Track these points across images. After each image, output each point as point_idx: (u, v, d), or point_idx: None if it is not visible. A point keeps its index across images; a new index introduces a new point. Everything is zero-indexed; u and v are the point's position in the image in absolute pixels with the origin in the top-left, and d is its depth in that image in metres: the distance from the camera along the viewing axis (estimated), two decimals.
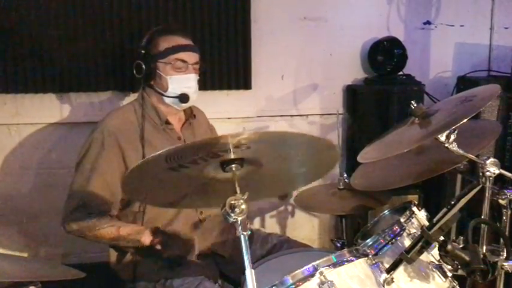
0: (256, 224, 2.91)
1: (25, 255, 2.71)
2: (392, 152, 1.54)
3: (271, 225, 2.91)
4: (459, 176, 2.50)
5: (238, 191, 1.12)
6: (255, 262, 1.99)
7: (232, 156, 1.10)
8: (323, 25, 2.78)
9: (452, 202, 1.23)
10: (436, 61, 2.93)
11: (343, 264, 1.18)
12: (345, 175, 2.14)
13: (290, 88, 2.80)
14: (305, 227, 2.97)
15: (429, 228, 1.20)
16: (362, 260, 1.22)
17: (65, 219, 1.87)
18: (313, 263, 1.16)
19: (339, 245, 2.16)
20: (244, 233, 1.12)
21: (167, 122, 1.96)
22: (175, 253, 1.88)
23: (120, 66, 2.54)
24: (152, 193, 1.25)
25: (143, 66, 1.89)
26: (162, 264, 1.88)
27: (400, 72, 2.73)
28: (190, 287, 1.82)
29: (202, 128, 2.12)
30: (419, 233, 1.46)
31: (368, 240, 1.50)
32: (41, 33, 2.46)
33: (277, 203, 2.88)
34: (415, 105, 1.52)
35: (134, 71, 1.92)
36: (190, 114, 2.05)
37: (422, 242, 1.19)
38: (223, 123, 2.69)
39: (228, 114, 2.72)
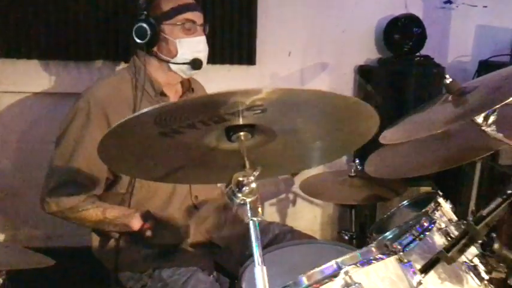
0: None
1: (1, 237, 2.50)
2: (421, 133, 1.33)
3: (270, 214, 2.71)
4: (478, 165, 2.30)
5: (247, 166, 0.89)
6: None
7: (241, 121, 0.88)
8: None
9: (510, 192, 1.02)
10: (455, 44, 2.71)
11: (372, 263, 0.97)
12: (357, 161, 1.93)
13: (297, 66, 2.58)
14: (306, 217, 2.77)
15: (476, 222, 0.99)
16: (392, 259, 1.01)
17: (44, 198, 1.66)
18: (336, 260, 0.95)
19: (346, 237, 1.96)
20: (255, 219, 0.90)
21: (162, 94, 1.74)
22: (167, 241, 1.67)
23: (113, 33, 2.32)
24: (139, 164, 1.02)
25: (148, 30, 1.65)
26: (151, 253, 1.67)
27: (417, 54, 2.51)
28: (181, 279, 1.61)
29: None
30: (448, 227, 1.27)
31: (387, 234, 1.30)
32: None
33: (277, 190, 2.68)
34: (450, 79, 1.31)
35: (135, 36, 1.66)
36: (188, 87, 1.83)
37: (467, 239, 0.98)
38: None
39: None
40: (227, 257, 1.78)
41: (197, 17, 1.70)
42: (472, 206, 2.34)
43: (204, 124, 0.87)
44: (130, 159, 1.00)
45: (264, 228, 1.90)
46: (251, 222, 0.90)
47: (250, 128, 0.91)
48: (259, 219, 0.90)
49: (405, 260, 1.02)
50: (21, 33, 2.27)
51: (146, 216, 1.62)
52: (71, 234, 2.48)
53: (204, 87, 1.97)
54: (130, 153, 0.97)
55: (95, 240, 1.77)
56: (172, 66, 1.70)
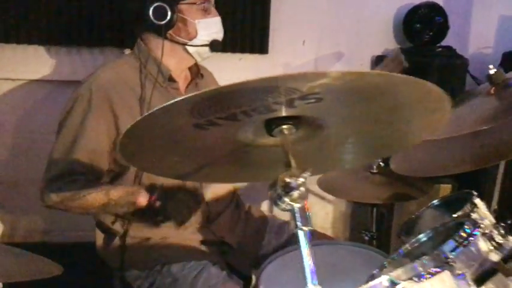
0: (263, 209, 2.58)
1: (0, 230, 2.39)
2: (465, 129, 1.21)
3: (278, 211, 2.58)
4: (501, 164, 2.18)
5: (293, 165, 0.77)
6: (270, 254, 1.70)
7: (284, 112, 0.75)
8: None
9: None
10: (476, 34, 2.58)
11: (427, 278, 0.84)
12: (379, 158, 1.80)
13: (311, 55, 2.45)
14: (318, 215, 2.66)
15: None
16: (448, 272, 0.89)
17: (43, 190, 1.54)
18: (390, 275, 0.82)
19: (367, 238, 1.85)
20: (305, 228, 0.78)
21: (171, 79, 1.61)
22: (180, 208, 1.52)
23: (118, 17, 2.18)
24: (162, 160, 0.89)
25: (168, 10, 1.52)
26: (158, 248, 1.56)
27: (438, 44, 2.38)
28: (192, 273, 1.52)
29: None
30: (492, 231, 1.15)
31: (421, 236, 1.19)
32: None
33: None
34: (494, 69, 1.18)
35: (152, 17, 1.52)
36: (197, 72, 1.71)
37: None
38: None
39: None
40: (239, 258, 1.67)
41: None
42: (494, 205, 2.22)
43: (246, 115, 0.74)
44: (153, 155, 0.87)
45: (280, 227, 1.80)
46: (300, 233, 0.78)
47: (294, 120, 0.78)
48: (310, 228, 0.78)
49: (458, 272, 0.90)
50: (20, 17, 2.14)
51: (151, 188, 1.50)
52: (72, 229, 2.38)
53: (212, 74, 1.85)
54: (154, 147, 0.84)
55: (99, 238, 1.65)
56: (189, 48, 1.59)
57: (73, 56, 2.24)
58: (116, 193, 1.49)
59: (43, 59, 2.23)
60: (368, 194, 1.76)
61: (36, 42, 2.19)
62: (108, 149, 1.54)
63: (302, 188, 0.78)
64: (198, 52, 1.60)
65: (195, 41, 1.58)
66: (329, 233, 2.69)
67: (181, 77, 1.67)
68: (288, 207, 0.79)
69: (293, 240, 1.70)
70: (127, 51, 2.24)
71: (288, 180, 0.77)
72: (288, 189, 0.78)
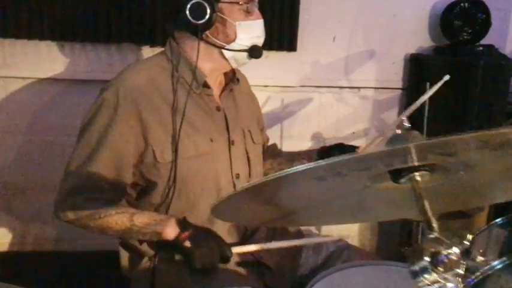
0: None
1: (8, 238, 2.24)
2: None
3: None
4: None
5: (434, 224, 0.63)
6: (308, 273, 1.56)
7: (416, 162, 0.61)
8: None
9: None
10: None
11: None
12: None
13: (342, 53, 2.30)
14: None
15: None
16: None
17: (59, 204, 1.38)
18: None
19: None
20: None
21: (205, 85, 1.45)
22: (209, 258, 1.39)
23: (137, 11, 2.02)
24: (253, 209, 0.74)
25: (207, 8, 1.35)
26: (191, 272, 1.40)
27: (477, 43, 2.23)
28: None
29: (243, 97, 1.61)
30: None
31: (495, 264, 1.06)
32: None
33: None
34: None
35: (189, 15, 1.35)
36: (233, 77, 1.54)
37: None
38: (258, 92, 2.17)
39: (264, 81, 2.21)
40: (278, 279, 1.52)
41: None
42: None
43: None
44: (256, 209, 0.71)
45: (317, 244, 1.65)
46: None
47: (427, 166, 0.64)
48: None
49: None
50: (32, 10, 1.97)
51: (183, 223, 1.34)
52: (84, 237, 2.22)
53: (245, 77, 1.69)
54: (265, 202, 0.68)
55: (124, 258, 1.50)
56: (226, 53, 1.41)
57: (88, 53, 2.08)
58: (141, 219, 1.33)
59: (56, 55, 2.07)
60: (412, 210, 1.60)
61: (48, 37, 2.03)
62: (134, 162, 1.38)
63: (461, 267, 0.62)
64: (235, 58, 1.43)
65: (233, 45, 1.40)
66: (355, 241, 2.56)
67: (216, 81, 1.50)
68: (440, 285, 0.63)
69: (331, 259, 1.58)
70: (146, 48, 2.10)
71: (436, 250, 0.62)
72: (437, 261, 0.63)
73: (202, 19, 1.35)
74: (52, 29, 2.01)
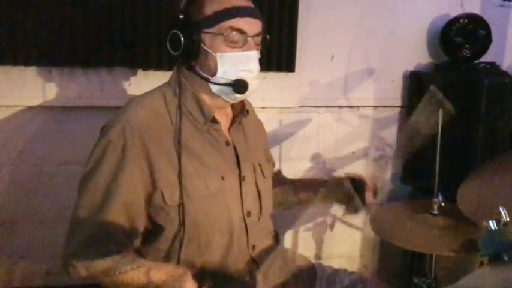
0: (288, 238, 2.37)
1: None
2: None
3: (305, 240, 2.39)
4: None
5: None
6: None
7: None
8: None
9: None
10: (511, 46, 2.41)
11: None
12: (440, 197, 1.60)
13: (340, 72, 2.24)
14: (345, 242, 2.46)
15: None
16: None
17: (68, 260, 1.25)
18: None
19: (425, 286, 1.65)
20: None
21: (213, 120, 1.37)
22: None
23: (131, 34, 1.93)
24: None
25: (181, 39, 1.27)
26: None
27: (477, 60, 2.19)
28: None
29: (252, 127, 1.53)
30: None
31: None
32: None
33: (313, 214, 2.35)
34: None
35: (168, 46, 1.29)
36: (242, 109, 1.46)
37: None
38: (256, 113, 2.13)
39: (262, 103, 2.13)
40: None
41: (249, 25, 1.30)
42: None
43: None
44: None
45: (330, 277, 1.59)
46: None
47: None
48: None
49: None
50: (17, 35, 1.85)
51: (200, 276, 1.25)
52: None
53: (251, 105, 1.61)
54: None
55: None
56: (212, 86, 1.32)
57: (78, 78, 1.97)
58: (158, 275, 1.22)
59: (43, 82, 1.95)
60: (431, 243, 1.54)
61: (35, 63, 1.91)
62: (144, 204, 1.29)
63: None
64: (223, 92, 1.32)
65: (216, 78, 1.30)
66: (357, 262, 2.51)
67: (223, 115, 1.42)
68: None
69: None
70: (140, 72, 2.00)
71: None
72: None
73: (178, 50, 1.28)
74: (39, 53, 1.89)
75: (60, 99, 1.97)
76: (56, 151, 2.02)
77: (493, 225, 0.97)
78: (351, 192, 1.52)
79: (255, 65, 1.33)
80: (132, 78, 2.01)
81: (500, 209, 1.04)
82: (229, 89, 1.31)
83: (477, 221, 1.45)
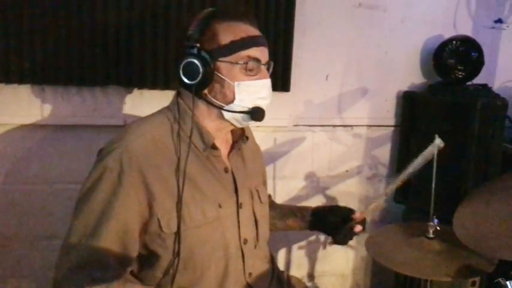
0: (281, 256, 2.37)
1: None
2: None
3: (298, 258, 2.39)
4: None
5: None
6: None
7: None
8: (380, 15, 2.23)
9: None
10: (502, 67, 2.44)
11: None
12: (436, 221, 1.61)
13: (335, 92, 2.25)
14: (338, 261, 2.46)
15: None
16: None
17: (57, 283, 1.24)
18: None
19: None
20: None
21: (213, 147, 1.36)
22: None
23: (124, 53, 1.91)
24: None
25: (200, 68, 1.27)
26: None
27: (469, 82, 2.22)
28: None
29: (250, 153, 1.53)
30: None
31: None
32: (17, 4, 1.80)
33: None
34: None
35: (181, 74, 1.28)
36: (241, 135, 1.46)
37: None
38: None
39: (257, 123, 2.12)
40: None
41: (263, 53, 1.31)
42: None
43: None
44: None
45: None
46: None
47: None
48: None
49: None
50: (10, 53, 1.83)
51: None
52: None
53: (249, 129, 1.61)
54: None
55: None
56: (225, 114, 1.32)
57: (72, 97, 1.95)
58: None
59: (37, 100, 1.93)
60: (427, 267, 1.54)
61: (28, 81, 1.89)
62: (139, 231, 1.28)
63: None
64: (235, 119, 1.33)
65: (232, 106, 1.30)
66: (350, 280, 2.51)
67: (223, 141, 1.41)
68: None
69: None
70: (134, 91, 1.99)
71: None
72: None
73: (195, 79, 1.27)
74: (32, 71, 1.87)
75: (53, 117, 1.95)
76: (49, 170, 1.99)
77: (510, 286, 0.96)
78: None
79: (269, 93, 1.35)
80: (127, 97, 1.99)
81: None
82: (246, 116, 1.31)
83: (473, 248, 1.47)
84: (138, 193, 1.25)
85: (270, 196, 1.73)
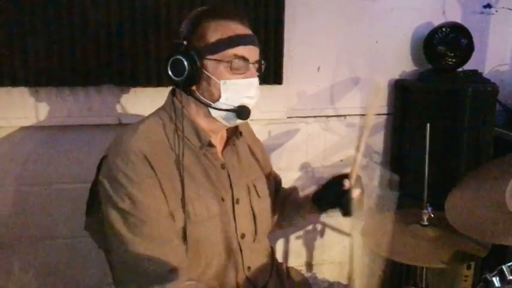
0: (279, 246, 2.40)
1: None
2: None
3: (296, 248, 2.42)
4: None
5: None
6: None
7: None
8: (370, 5, 2.24)
9: None
10: (492, 52, 2.46)
11: None
12: (430, 208, 1.64)
13: (327, 82, 2.27)
14: (335, 248, 2.50)
15: None
16: None
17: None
18: None
19: None
20: None
21: (210, 144, 1.38)
22: None
23: (117, 50, 1.92)
24: None
25: (186, 66, 1.29)
26: None
27: (460, 68, 2.23)
28: None
29: (246, 148, 1.55)
30: None
31: None
32: (6, 7, 1.80)
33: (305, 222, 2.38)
34: None
35: (169, 71, 1.31)
36: (235, 130, 1.48)
37: None
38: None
39: (251, 115, 2.14)
40: None
41: (251, 52, 1.32)
42: None
43: None
44: None
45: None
46: None
47: None
48: None
49: None
50: (2, 55, 1.84)
51: None
52: None
53: (248, 124, 1.62)
54: None
55: None
56: (212, 111, 1.34)
57: (66, 97, 1.97)
58: None
59: (31, 102, 1.94)
60: (418, 254, 1.57)
61: (21, 83, 1.90)
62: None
63: None
64: (222, 117, 1.34)
65: (218, 104, 1.31)
66: (347, 267, 2.54)
67: (217, 138, 1.43)
68: None
69: None
70: (127, 90, 2.00)
71: None
72: None
73: (181, 76, 1.29)
74: (25, 73, 1.88)
75: (49, 118, 1.96)
76: (46, 170, 2.01)
77: (496, 282, 0.99)
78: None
79: (257, 92, 1.35)
80: (121, 96, 2.00)
81: (503, 267, 1.06)
82: (232, 114, 1.32)
83: (466, 233, 1.51)
84: (155, 183, 1.25)
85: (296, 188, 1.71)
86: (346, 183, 1.41)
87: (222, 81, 1.30)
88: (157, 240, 1.23)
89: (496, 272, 1.08)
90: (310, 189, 2.31)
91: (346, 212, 1.43)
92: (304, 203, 1.61)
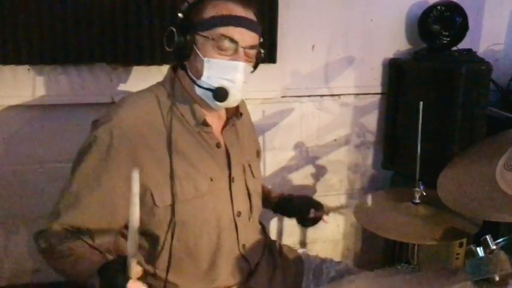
0: (273, 225, 2.42)
1: None
2: None
3: (290, 227, 2.44)
4: None
5: None
6: None
7: None
8: None
9: None
10: (486, 32, 2.46)
11: None
12: (422, 186, 1.65)
13: (321, 61, 2.26)
14: (328, 227, 2.51)
15: None
16: None
17: (41, 233, 1.34)
18: None
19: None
20: None
21: (204, 123, 1.38)
22: None
23: (110, 28, 1.90)
24: None
25: (175, 37, 1.28)
26: None
27: (454, 47, 2.23)
28: None
29: (245, 129, 1.55)
30: None
31: None
32: None
33: None
34: None
35: (164, 41, 1.32)
36: (235, 111, 1.47)
37: None
38: None
39: (245, 94, 2.13)
40: None
41: (243, 36, 1.30)
42: None
43: None
44: None
45: (317, 267, 1.64)
46: None
47: None
48: None
49: None
50: (8, 34, 1.81)
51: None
52: None
53: (245, 104, 1.62)
54: None
55: None
56: (196, 89, 1.34)
57: (58, 76, 1.95)
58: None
59: (22, 81, 1.92)
60: (414, 232, 1.59)
61: (13, 61, 1.87)
62: (126, 207, 1.30)
63: None
64: (205, 95, 1.33)
65: (200, 82, 1.31)
66: (340, 245, 2.57)
67: (215, 117, 1.43)
68: None
69: (334, 281, 1.57)
70: (120, 68, 1.98)
71: None
72: None
73: (170, 47, 1.30)
74: (16, 52, 1.85)
75: (41, 97, 1.94)
76: (39, 149, 2.00)
77: (480, 252, 1.00)
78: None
79: (240, 77, 1.32)
80: (113, 74, 1.99)
81: (487, 237, 1.07)
82: (210, 94, 1.31)
83: (457, 210, 1.52)
84: (127, 166, 1.25)
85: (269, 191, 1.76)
86: (325, 218, 1.61)
87: (206, 59, 1.29)
88: (78, 216, 1.28)
89: (480, 242, 1.10)
90: (304, 169, 2.36)
91: (303, 224, 1.67)
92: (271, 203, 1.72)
